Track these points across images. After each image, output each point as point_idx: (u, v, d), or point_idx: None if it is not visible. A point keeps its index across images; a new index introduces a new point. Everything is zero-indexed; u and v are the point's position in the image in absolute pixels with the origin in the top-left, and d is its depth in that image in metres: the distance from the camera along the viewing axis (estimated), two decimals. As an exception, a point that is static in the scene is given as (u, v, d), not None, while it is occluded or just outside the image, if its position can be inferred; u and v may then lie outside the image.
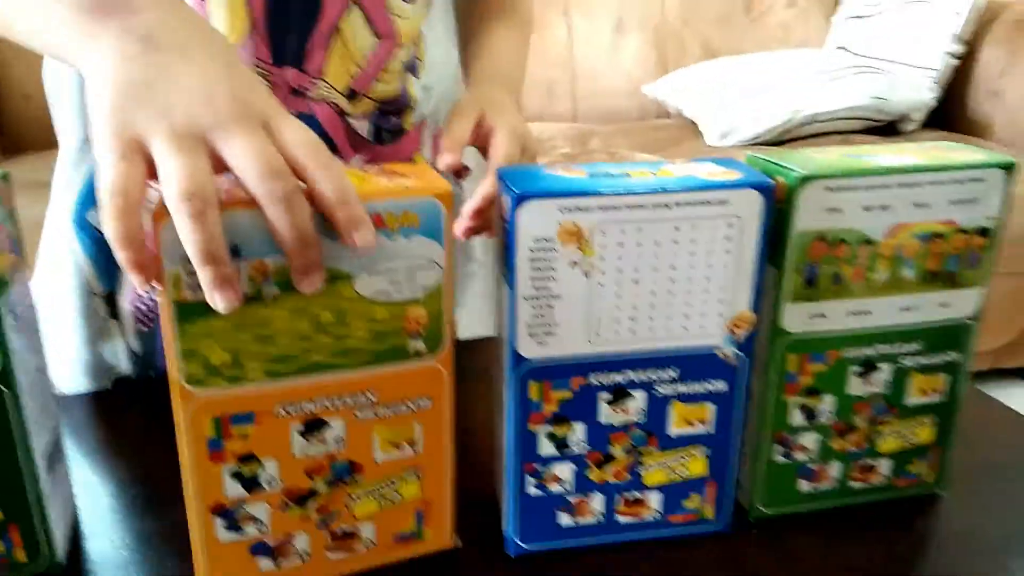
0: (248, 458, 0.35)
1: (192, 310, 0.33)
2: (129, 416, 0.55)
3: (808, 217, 0.38)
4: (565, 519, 0.41)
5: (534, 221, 0.35)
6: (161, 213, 0.31)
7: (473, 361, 0.44)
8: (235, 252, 0.32)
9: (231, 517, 0.36)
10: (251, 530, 0.37)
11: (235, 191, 0.33)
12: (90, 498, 0.45)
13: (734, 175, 0.37)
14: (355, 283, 0.35)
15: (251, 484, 0.36)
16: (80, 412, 0.55)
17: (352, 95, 0.53)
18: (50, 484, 0.39)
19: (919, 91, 1.81)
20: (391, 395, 0.37)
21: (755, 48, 2.05)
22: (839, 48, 2.04)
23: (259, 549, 0.37)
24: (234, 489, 0.36)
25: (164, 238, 0.31)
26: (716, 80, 1.89)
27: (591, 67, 2.03)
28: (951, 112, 1.90)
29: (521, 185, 0.35)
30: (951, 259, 0.41)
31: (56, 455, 0.41)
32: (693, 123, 1.89)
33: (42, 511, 0.38)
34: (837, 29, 2.08)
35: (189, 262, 0.31)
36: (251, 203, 0.32)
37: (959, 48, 1.82)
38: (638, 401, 0.40)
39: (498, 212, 0.38)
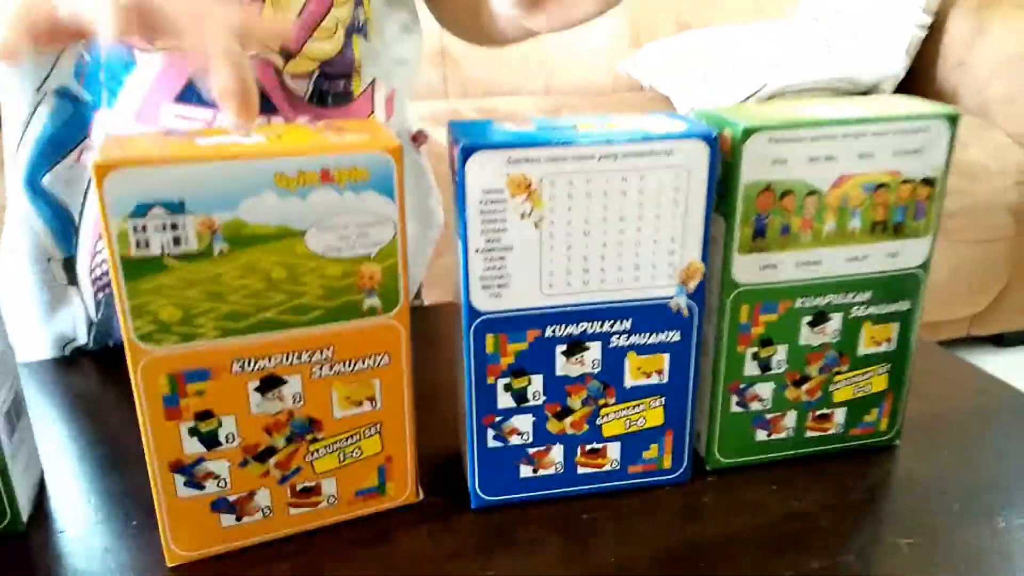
0: (205, 415, 0.36)
1: (140, 266, 0.33)
2: (92, 379, 0.55)
3: (753, 169, 0.39)
4: (525, 471, 0.42)
5: (482, 173, 0.36)
6: (105, 165, 0.31)
7: (441, 324, 0.45)
8: (180, 208, 0.32)
9: (190, 474, 0.37)
10: (211, 486, 0.37)
11: (178, 141, 0.33)
12: (55, 460, 0.46)
13: (680, 127, 0.38)
14: (306, 239, 0.35)
15: (209, 441, 0.36)
16: (43, 377, 0.55)
17: (288, 55, 0.53)
18: (11, 444, 0.39)
19: (888, 63, 1.83)
20: (348, 352, 0.37)
21: (727, 20, 2.06)
22: (810, 19, 2.05)
23: (220, 505, 0.38)
24: (192, 446, 0.36)
25: (110, 190, 0.31)
26: (688, 53, 1.90)
27: (564, 40, 2.03)
28: (919, 83, 1.92)
29: (469, 137, 0.36)
30: (897, 209, 0.42)
31: (17, 414, 0.41)
32: (666, 97, 1.90)
33: (4, 470, 0.38)
34: (807, 1, 2.09)
35: (137, 215, 0.31)
36: (195, 157, 0.32)
37: (927, 19, 1.84)
38: (593, 352, 0.40)
39: (450, 164, 0.38)
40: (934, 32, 1.87)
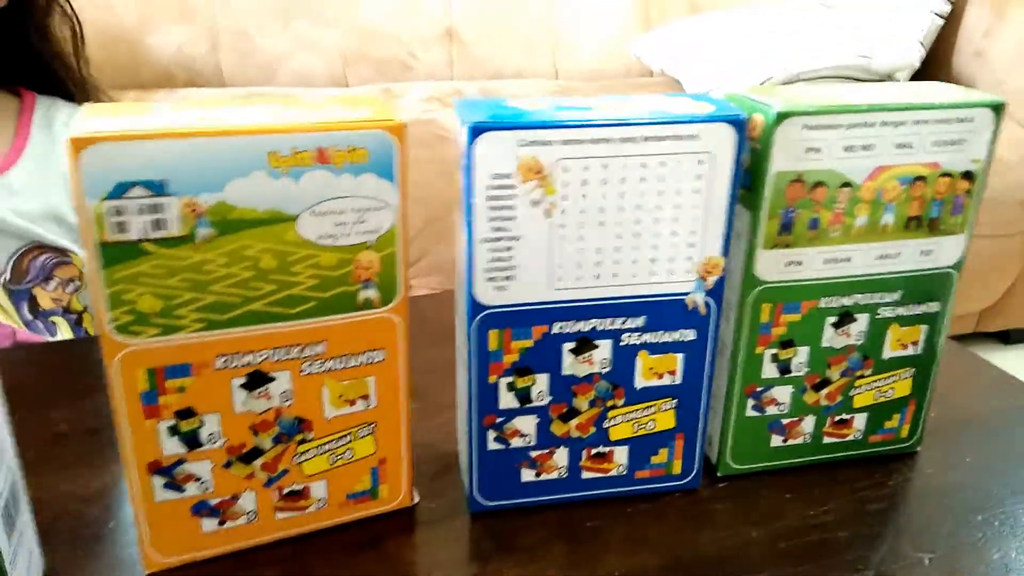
0: (186, 413, 0.33)
1: (117, 252, 0.30)
2: (70, 370, 0.53)
3: (784, 157, 0.36)
4: (527, 474, 0.40)
5: (491, 155, 0.33)
6: (82, 140, 0.28)
7: (432, 314, 0.42)
8: (162, 188, 0.30)
9: (170, 476, 0.34)
10: (192, 489, 0.35)
11: (161, 113, 0.30)
12: (32, 452, 0.43)
13: (706, 109, 0.35)
14: (298, 225, 0.32)
15: (190, 441, 0.34)
16: (17, 367, 0.53)
17: None
18: (11, 545, 0.33)
19: (905, 51, 1.78)
20: (341, 347, 0.35)
21: (740, 4, 2.01)
22: (824, 6, 2.01)
23: (202, 509, 0.35)
24: (172, 446, 0.34)
25: (86, 168, 0.29)
26: (699, 37, 1.86)
27: (573, 23, 1.98)
28: (935, 73, 1.88)
29: (477, 116, 0.33)
30: (934, 204, 0.39)
31: (15, 508, 0.34)
32: (677, 81, 1.86)
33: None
34: (822, -14, 2.04)
35: (115, 196, 0.29)
36: (179, 132, 0.29)
37: (945, 7, 1.80)
38: (603, 351, 0.38)
39: (455, 148, 0.35)
40: (951, 20, 1.83)
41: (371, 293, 0.35)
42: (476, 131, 0.33)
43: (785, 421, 0.42)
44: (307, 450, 0.36)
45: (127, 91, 1.66)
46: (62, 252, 0.67)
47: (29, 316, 0.66)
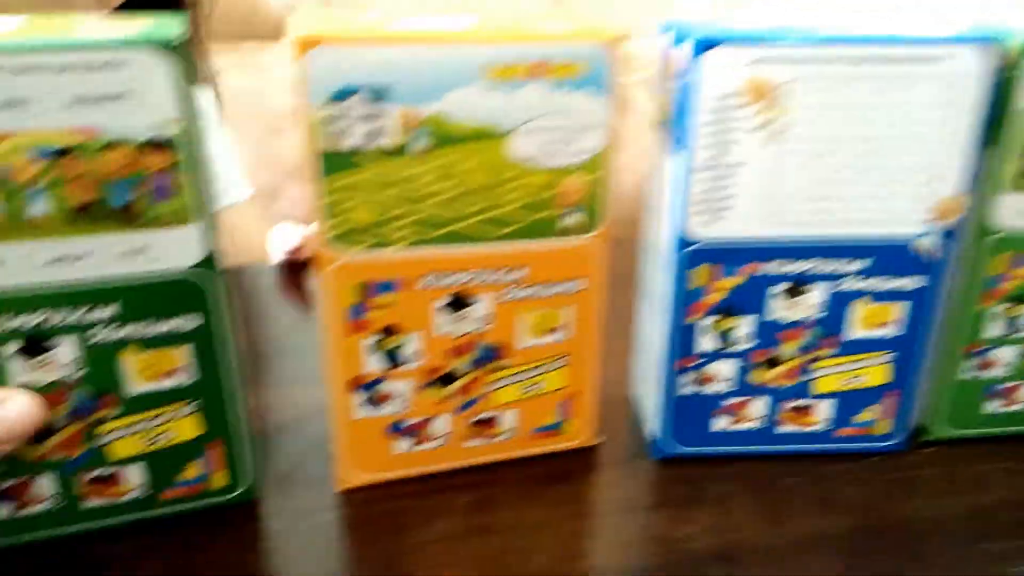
0: (389, 330, 0.33)
1: (337, 161, 0.30)
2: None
3: (1043, 85, 0.32)
4: (719, 423, 0.38)
5: (719, 73, 0.31)
6: (309, 40, 0.28)
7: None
8: (384, 96, 0.29)
9: (369, 392, 0.34)
10: (389, 408, 0.34)
11: (378, 22, 0.29)
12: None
13: (952, 29, 0.31)
14: (509, 142, 0.31)
15: (392, 359, 0.34)
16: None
17: None
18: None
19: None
20: (542, 274, 0.34)
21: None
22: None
23: (397, 429, 0.35)
24: (374, 363, 0.33)
25: (312, 70, 0.28)
26: None
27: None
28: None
29: (702, 30, 0.31)
30: None
31: None
32: None
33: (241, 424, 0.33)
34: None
35: (338, 100, 0.28)
36: (403, 39, 0.29)
37: None
38: (817, 295, 0.35)
39: (663, 70, 0.33)
40: None
41: (575, 219, 0.33)
42: (704, 46, 0.30)
43: (1004, 386, 0.38)
44: (500, 378, 0.35)
45: (245, 42, 1.70)
46: None
47: None
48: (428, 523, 0.34)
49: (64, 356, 0.29)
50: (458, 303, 0.33)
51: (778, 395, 0.37)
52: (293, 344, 0.49)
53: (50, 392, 0.29)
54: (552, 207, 0.33)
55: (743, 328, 0.35)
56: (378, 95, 0.29)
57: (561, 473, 0.37)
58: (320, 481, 0.36)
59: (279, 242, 0.63)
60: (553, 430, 0.37)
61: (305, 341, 0.48)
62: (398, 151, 0.30)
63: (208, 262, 0.29)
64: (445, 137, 0.30)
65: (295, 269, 0.60)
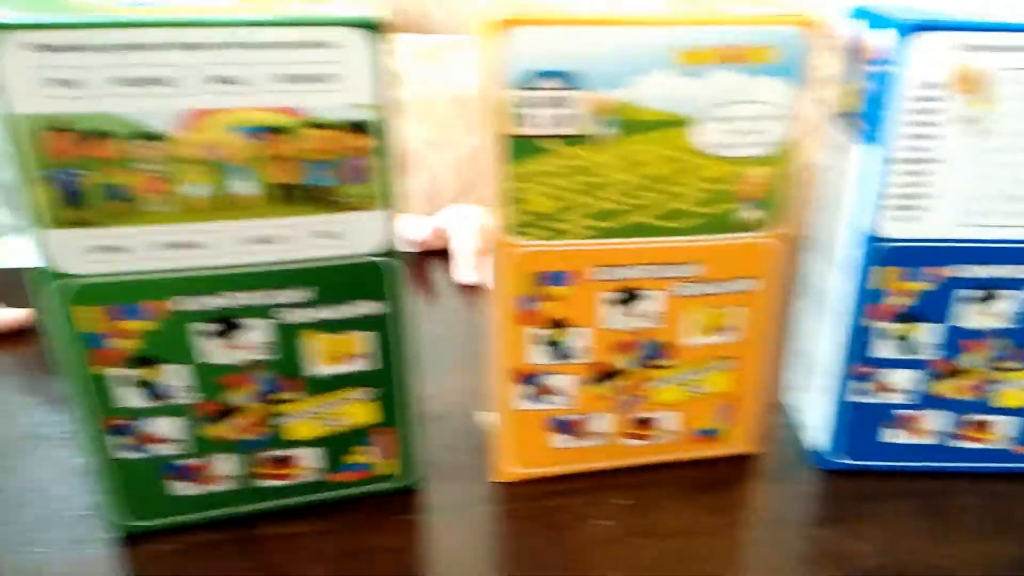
0: (557, 323, 0.32)
1: (522, 147, 0.29)
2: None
3: None
4: (891, 435, 0.35)
5: (925, 60, 0.29)
6: (509, 20, 0.27)
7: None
8: (572, 79, 0.28)
9: (533, 385, 0.33)
10: (552, 402, 0.34)
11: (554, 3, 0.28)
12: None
13: None
14: (692, 131, 0.30)
15: (558, 352, 0.33)
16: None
17: None
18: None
19: None
20: (718, 271, 0.32)
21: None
22: None
23: (558, 424, 0.34)
24: (540, 355, 0.33)
25: (507, 52, 0.27)
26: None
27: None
28: None
29: (907, 14, 0.29)
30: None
31: None
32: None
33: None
34: None
35: (527, 85, 0.28)
36: (600, 19, 0.28)
37: None
38: (1012, 304, 0.32)
39: (852, 55, 0.31)
40: None
41: (756, 214, 0.32)
42: (910, 30, 0.28)
43: None
44: (663, 377, 0.34)
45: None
46: None
47: None
48: (586, 522, 0.33)
49: (255, 337, 0.29)
50: (629, 297, 0.32)
51: (959, 408, 0.35)
52: (430, 333, 0.48)
53: (237, 373, 0.29)
54: (731, 200, 0.31)
55: (926, 335, 0.33)
56: (569, 80, 0.28)
57: (720, 479, 0.36)
58: (475, 473, 0.35)
59: (407, 233, 0.63)
60: (713, 434, 0.36)
61: (442, 330, 0.48)
62: (583, 138, 0.29)
63: (391, 249, 0.29)
64: (631, 124, 0.29)
65: (422, 259, 0.60)
